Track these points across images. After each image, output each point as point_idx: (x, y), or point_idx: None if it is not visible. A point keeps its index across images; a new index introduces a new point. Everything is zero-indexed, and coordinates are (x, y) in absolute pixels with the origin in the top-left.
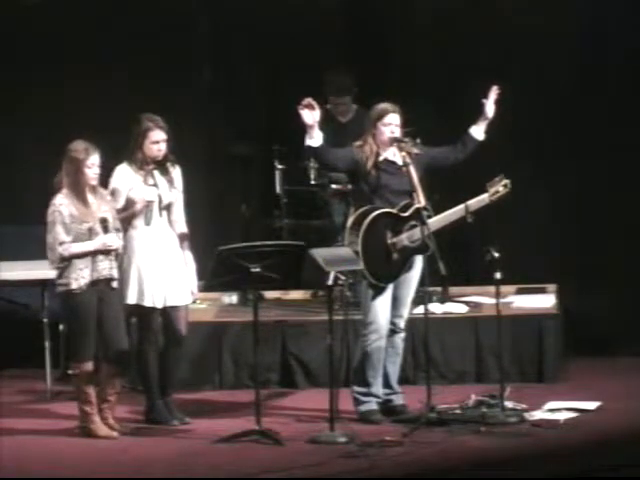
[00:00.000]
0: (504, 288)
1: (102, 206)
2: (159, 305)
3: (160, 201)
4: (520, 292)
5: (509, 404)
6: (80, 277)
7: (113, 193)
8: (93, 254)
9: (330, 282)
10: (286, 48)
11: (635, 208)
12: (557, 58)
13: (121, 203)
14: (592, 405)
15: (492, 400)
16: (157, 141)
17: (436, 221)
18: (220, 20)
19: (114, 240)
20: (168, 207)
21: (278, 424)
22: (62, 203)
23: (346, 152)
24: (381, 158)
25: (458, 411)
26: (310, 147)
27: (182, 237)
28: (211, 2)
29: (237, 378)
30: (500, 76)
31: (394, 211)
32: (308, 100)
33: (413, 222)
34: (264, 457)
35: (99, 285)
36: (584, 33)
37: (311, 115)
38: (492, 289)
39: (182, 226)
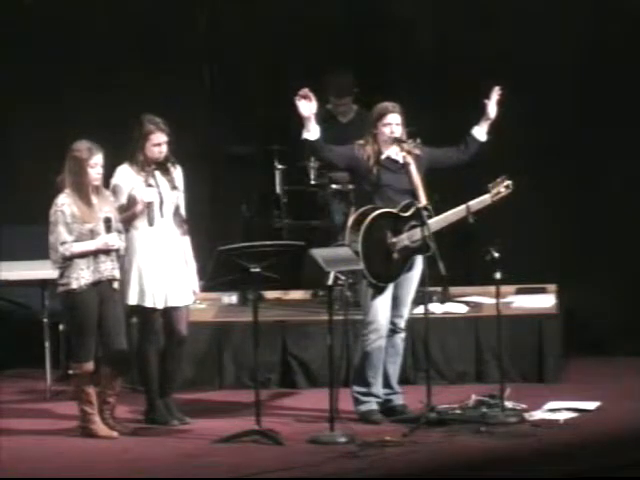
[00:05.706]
0: (504, 288)
1: (104, 207)
2: (160, 306)
3: (161, 201)
4: (520, 292)
5: (509, 404)
6: (81, 277)
7: (114, 190)
8: (94, 254)
9: (330, 282)
10: (286, 48)
11: (635, 208)
12: (558, 58)
13: (122, 201)
14: (592, 405)
15: (492, 400)
16: (159, 143)
17: (437, 221)
18: (220, 20)
19: (115, 240)
20: (173, 209)
21: (278, 424)
22: (64, 203)
23: (346, 149)
24: (383, 156)
25: (458, 411)
26: (307, 140)
27: (180, 223)
28: (210, 2)
29: (237, 378)
30: (501, 76)
31: (394, 211)
32: (305, 91)
33: (414, 222)
34: (264, 457)
35: (101, 286)
36: (585, 33)
37: (307, 106)
38: (492, 289)
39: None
